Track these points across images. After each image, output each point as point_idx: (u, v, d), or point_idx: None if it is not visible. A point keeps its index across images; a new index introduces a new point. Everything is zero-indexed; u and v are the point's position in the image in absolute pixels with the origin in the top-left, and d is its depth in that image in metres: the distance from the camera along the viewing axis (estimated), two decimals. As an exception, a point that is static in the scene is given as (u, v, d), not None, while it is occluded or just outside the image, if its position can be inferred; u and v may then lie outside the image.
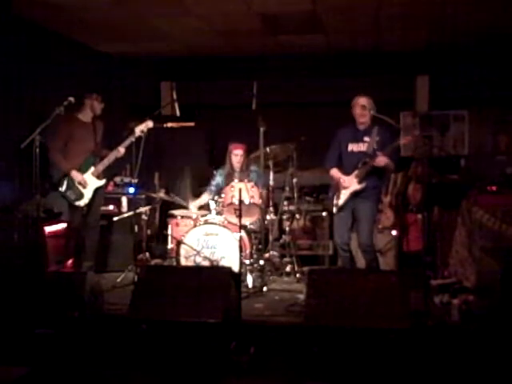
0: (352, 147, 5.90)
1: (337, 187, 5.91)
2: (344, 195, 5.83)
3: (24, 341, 4.47)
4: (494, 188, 6.10)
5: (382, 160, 5.66)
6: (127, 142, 6.34)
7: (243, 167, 6.81)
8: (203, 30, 7.25)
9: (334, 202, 5.90)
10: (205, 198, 6.93)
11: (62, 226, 6.60)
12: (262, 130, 6.01)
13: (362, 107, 5.85)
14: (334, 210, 5.92)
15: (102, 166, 6.38)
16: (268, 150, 6.34)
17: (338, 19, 6.87)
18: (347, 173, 5.86)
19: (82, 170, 6.31)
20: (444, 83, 8.29)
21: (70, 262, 6.59)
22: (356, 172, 5.77)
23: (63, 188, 6.24)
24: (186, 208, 6.80)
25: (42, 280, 4.98)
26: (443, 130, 8.41)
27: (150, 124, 6.35)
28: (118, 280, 6.16)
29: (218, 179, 6.97)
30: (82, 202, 6.30)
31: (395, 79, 8.27)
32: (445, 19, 6.85)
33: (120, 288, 5.98)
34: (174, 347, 4.35)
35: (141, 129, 6.31)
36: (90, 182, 6.32)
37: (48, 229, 6.38)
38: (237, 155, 6.79)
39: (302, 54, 8.29)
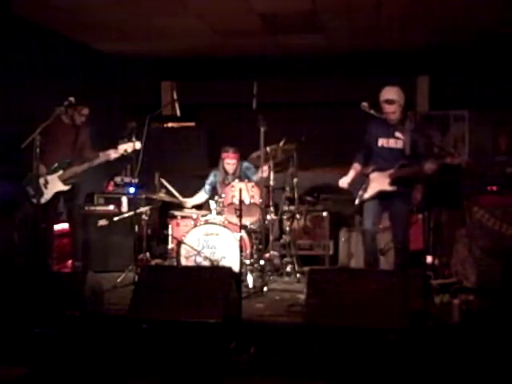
0: (382, 142, 5.68)
1: (367, 180, 5.73)
2: (372, 190, 5.66)
3: (24, 340, 4.47)
4: (494, 188, 6.10)
5: (431, 168, 5.34)
6: (102, 160, 6.26)
7: (236, 171, 6.82)
8: (203, 30, 7.25)
9: (360, 192, 5.72)
10: (200, 195, 7.03)
11: (65, 225, 6.63)
12: (262, 129, 6.00)
13: (387, 102, 5.61)
14: (357, 200, 5.74)
15: (69, 173, 6.24)
16: (268, 149, 6.33)
17: (338, 19, 6.86)
18: (379, 168, 5.69)
19: (52, 170, 6.21)
20: (444, 83, 8.29)
21: (69, 261, 6.61)
22: (391, 171, 5.58)
23: (25, 181, 6.11)
24: (181, 205, 6.82)
25: (43, 280, 4.98)
26: (444, 129, 8.42)
27: (137, 145, 6.12)
28: (119, 280, 6.16)
29: (212, 179, 6.99)
30: (41, 200, 6.06)
31: (395, 79, 8.25)
32: (445, 19, 6.85)
33: (120, 288, 5.97)
34: (174, 347, 4.35)
35: (124, 148, 6.14)
36: (52, 184, 6.19)
37: (56, 227, 6.50)
38: (229, 164, 6.81)
39: (302, 53, 8.29)
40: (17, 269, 5.95)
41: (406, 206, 5.75)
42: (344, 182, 5.86)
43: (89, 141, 6.48)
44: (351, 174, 5.86)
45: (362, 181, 5.79)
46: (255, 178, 6.70)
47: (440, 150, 5.83)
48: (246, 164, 6.87)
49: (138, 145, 6.13)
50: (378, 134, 5.71)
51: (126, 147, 6.13)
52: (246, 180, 6.35)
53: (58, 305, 4.65)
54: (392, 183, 5.57)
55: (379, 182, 5.64)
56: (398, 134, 5.62)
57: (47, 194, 6.18)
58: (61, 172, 6.24)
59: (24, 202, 6.15)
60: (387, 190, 5.60)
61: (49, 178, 6.17)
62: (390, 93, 5.64)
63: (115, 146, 6.20)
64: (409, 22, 6.97)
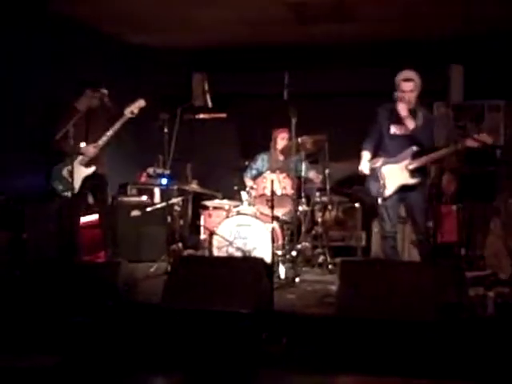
0: (395, 129, 5.47)
1: (380, 175, 5.49)
2: (393, 186, 5.44)
3: (58, 329, 4.51)
4: (529, 179, 6.00)
5: (472, 143, 5.08)
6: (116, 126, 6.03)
7: (287, 154, 6.80)
8: (232, 20, 7.23)
9: (379, 190, 5.46)
10: (247, 181, 7.03)
11: (95, 216, 6.64)
12: (293, 120, 5.98)
13: (405, 80, 5.41)
14: (380, 200, 5.49)
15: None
16: (299, 140, 6.30)
17: (368, 7, 6.76)
18: (388, 160, 5.49)
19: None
20: (479, 73, 8.13)
21: (102, 252, 6.65)
22: (406, 162, 5.35)
23: (51, 179, 6.03)
24: (213, 196, 6.86)
25: (76, 270, 5.04)
26: (477, 120, 8.29)
27: (141, 103, 6.01)
28: (152, 270, 6.21)
29: (259, 164, 7.01)
30: (73, 192, 5.81)
31: (428, 69, 8.13)
32: (481, 7, 6.71)
33: (153, 278, 6.01)
34: (206, 337, 4.37)
35: (130, 110, 6.00)
36: (76, 171, 5.83)
37: (83, 219, 6.41)
38: (283, 139, 6.85)
39: (331, 43, 8.20)
40: (51, 259, 6.00)
41: (423, 196, 5.53)
42: (365, 168, 5.62)
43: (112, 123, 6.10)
44: (365, 159, 5.64)
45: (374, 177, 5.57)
46: (310, 174, 6.77)
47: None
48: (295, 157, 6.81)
49: (142, 102, 6.04)
50: (390, 120, 5.50)
51: (132, 109, 6.02)
52: (278, 171, 6.33)
53: (92, 294, 4.69)
54: (413, 175, 5.37)
55: (397, 176, 5.42)
56: (408, 121, 5.38)
57: (76, 183, 5.86)
58: (80, 157, 6.01)
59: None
60: (409, 183, 5.40)
61: (70, 167, 5.81)
62: (408, 72, 5.49)
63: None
64: (442, 10, 6.84)
